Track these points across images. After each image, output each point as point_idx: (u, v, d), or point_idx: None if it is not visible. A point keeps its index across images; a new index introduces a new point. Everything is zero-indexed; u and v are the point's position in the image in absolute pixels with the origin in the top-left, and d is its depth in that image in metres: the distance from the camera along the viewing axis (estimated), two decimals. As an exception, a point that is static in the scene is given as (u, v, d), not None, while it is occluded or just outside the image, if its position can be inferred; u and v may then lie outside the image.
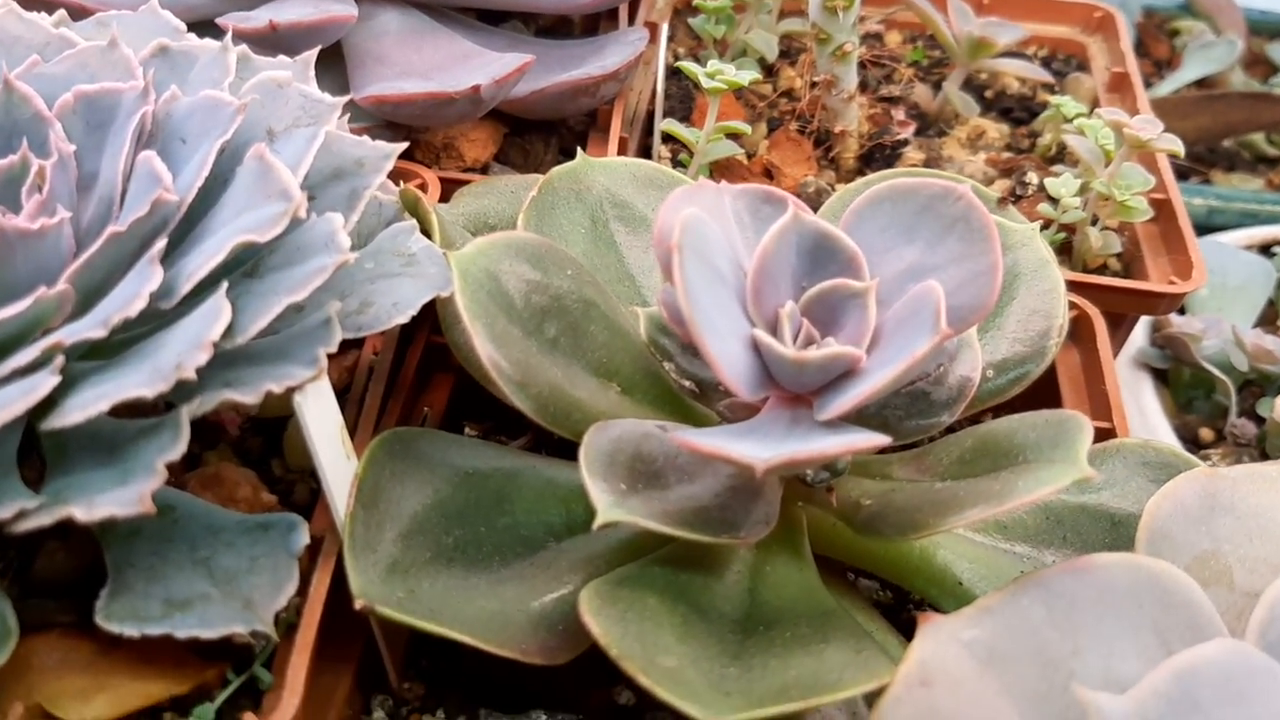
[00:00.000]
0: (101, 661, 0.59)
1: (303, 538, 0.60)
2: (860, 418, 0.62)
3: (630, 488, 0.59)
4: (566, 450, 0.64)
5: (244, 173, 0.61)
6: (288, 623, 0.60)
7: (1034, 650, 0.51)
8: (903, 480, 0.68)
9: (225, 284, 0.56)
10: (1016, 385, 0.75)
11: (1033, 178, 1.04)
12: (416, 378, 0.79)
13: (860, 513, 0.65)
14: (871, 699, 0.52)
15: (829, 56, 1.02)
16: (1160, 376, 1.04)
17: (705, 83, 0.95)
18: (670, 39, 1.18)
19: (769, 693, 0.55)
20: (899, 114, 1.11)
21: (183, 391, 0.54)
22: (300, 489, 0.72)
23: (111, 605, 0.56)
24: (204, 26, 0.82)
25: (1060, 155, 1.10)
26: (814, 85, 1.06)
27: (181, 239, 0.61)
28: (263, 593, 0.58)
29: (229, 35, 0.70)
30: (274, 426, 0.75)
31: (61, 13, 0.73)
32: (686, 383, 0.68)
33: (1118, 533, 0.69)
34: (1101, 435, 0.76)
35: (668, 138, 1.02)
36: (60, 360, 0.54)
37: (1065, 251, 0.99)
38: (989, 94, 1.21)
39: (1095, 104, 1.18)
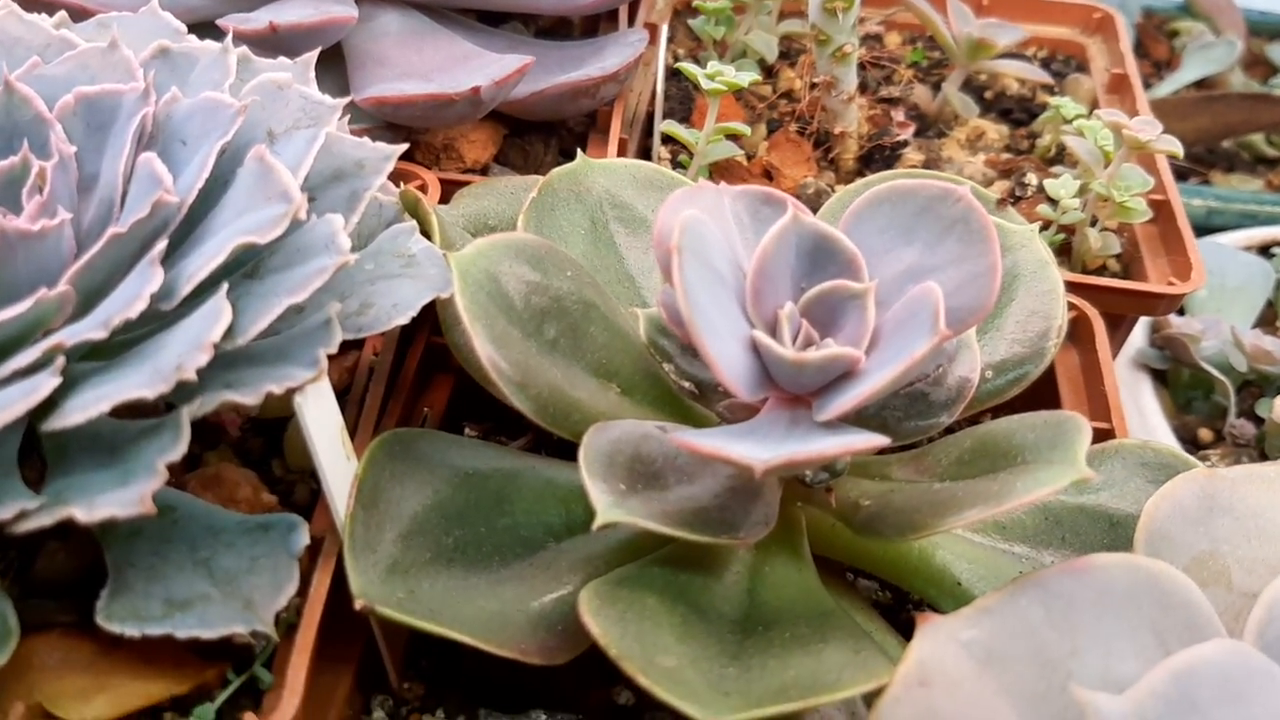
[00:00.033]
0: (102, 661, 0.59)
1: (303, 538, 0.60)
2: (859, 419, 0.63)
3: (630, 488, 0.59)
4: (566, 451, 0.64)
5: (244, 174, 0.61)
6: (288, 623, 0.60)
7: (1032, 650, 0.51)
8: (902, 481, 0.68)
9: (226, 285, 0.57)
10: (1015, 386, 0.75)
11: (1032, 179, 1.04)
12: (416, 378, 0.80)
13: (859, 513, 0.65)
14: (870, 699, 0.52)
15: (829, 58, 1.03)
16: (1159, 377, 1.04)
17: (705, 84, 0.96)
18: (670, 40, 1.18)
19: (768, 693, 0.55)
20: (898, 115, 1.11)
21: (183, 392, 0.54)
22: (300, 489, 0.72)
23: (112, 605, 0.56)
24: (204, 28, 0.82)
25: (1059, 156, 1.10)
26: (814, 86, 1.06)
27: (182, 240, 0.61)
28: (263, 593, 0.58)
29: (229, 37, 0.70)
30: (274, 427, 0.75)
31: (62, 14, 0.73)
32: (686, 384, 0.68)
33: (1116, 533, 0.69)
34: (1100, 436, 0.76)
35: (667, 139, 1.02)
36: (61, 361, 0.54)
37: (1064, 252, 0.99)
38: (988, 95, 1.21)
39: (1094, 105, 1.18)
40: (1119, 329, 0.96)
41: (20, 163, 0.62)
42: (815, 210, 0.81)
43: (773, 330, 0.62)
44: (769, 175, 1.03)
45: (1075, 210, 0.96)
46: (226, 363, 0.57)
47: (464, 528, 0.65)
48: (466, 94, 0.91)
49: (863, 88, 1.13)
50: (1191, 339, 1.00)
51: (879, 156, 1.08)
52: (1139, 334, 1.05)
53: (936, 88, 1.18)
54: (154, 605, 0.57)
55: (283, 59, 0.71)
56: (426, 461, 0.66)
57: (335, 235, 0.60)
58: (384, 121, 0.95)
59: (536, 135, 1.06)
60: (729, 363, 0.58)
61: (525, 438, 0.82)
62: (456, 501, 0.65)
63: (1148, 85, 1.38)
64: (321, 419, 0.60)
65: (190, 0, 0.94)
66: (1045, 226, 0.97)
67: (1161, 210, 1.00)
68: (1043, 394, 0.82)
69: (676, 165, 1.03)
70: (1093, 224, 0.98)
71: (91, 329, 0.54)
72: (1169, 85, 1.42)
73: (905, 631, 0.67)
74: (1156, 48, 1.51)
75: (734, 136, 1.00)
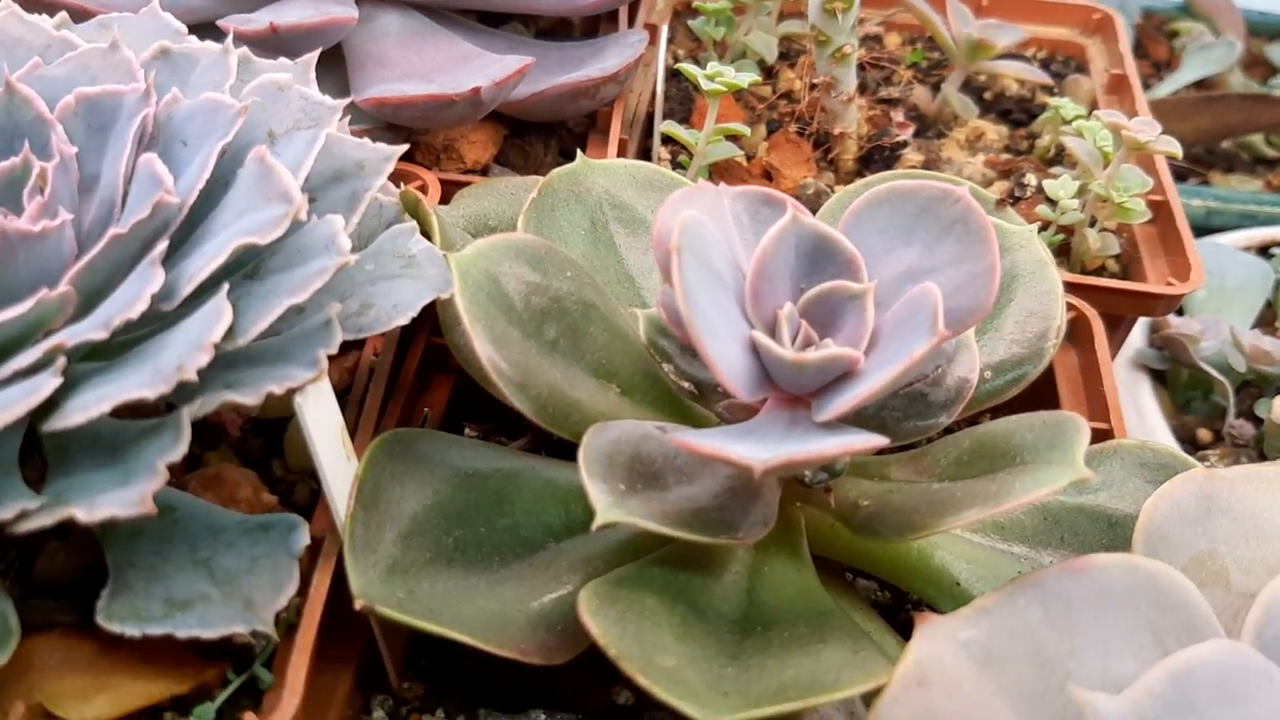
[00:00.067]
0: (102, 661, 0.59)
1: (303, 538, 0.60)
2: (858, 419, 0.63)
3: (629, 488, 0.59)
4: (566, 451, 0.64)
5: (245, 175, 0.61)
6: (288, 623, 0.61)
7: (1031, 651, 0.51)
8: (901, 481, 0.68)
9: (226, 286, 0.57)
10: (1014, 386, 0.76)
11: (1031, 179, 1.04)
12: (416, 379, 0.80)
13: (858, 513, 0.66)
14: (869, 699, 0.52)
15: (828, 58, 1.03)
16: (1158, 377, 1.04)
17: (705, 85, 0.96)
18: (670, 41, 1.18)
19: (767, 693, 0.55)
20: (898, 116, 1.11)
21: (184, 393, 0.55)
22: (301, 489, 0.72)
23: (112, 605, 0.56)
24: (205, 29, 0.83)
25: (1059, 157, 1.10)
26: (813, 87, 1.06)
27: (182, 241, 0.61)
28: (263, 593, 0.58)
29: (230, 38, 0.71)
30: (275, 427, 0.75)
31: (63, 15, 0.73)
32: (685, 384, 0.68)
33: (1115, 533, 0.70)
34: (1099, 436, 0.76)
35: (667, 139, 1.02)
36: (62, 362, 0.54)
37: (1063, 253, 0.99)
38: (988, 96, 1.21)
39: (1094, 105, 1.18)
40: (1118, 329, 0.96)
41: (21, 163, 0.62)
42: (815, 211, 0.81)
43: (772, 331, 0.62)
44: (769, 176, 1.03)
45: (1074, 211, 0.96)
46: (227, 363, 0.57)
47: (464, 528, 0.65)
48: (467, 95, 0.91)
49: (862, 88, 1.13)
50: (1190, 339, 1.00)
51: (878, 157, 1.08)
52: (1138, 334, 1.05)
53: (936, 88, 1.18)
54: (154, 605, 0.57)
55: (283, 60, 0.72)
56: (426, 462, 0.66)
57: (336, 236, 0.60)
58: (384, 122, 0.95)
59: (536, 136, 1.06)
60: (728, 363, 0.59)
61: (525, 438, 0.83)
62: (456, 502, 0.65)
63: (1147, 86, 1.38)
64: (322, 419, 0.60)
65: (191, 1, 0.94)
66: (1044, 227, 0.97)
67: (1160, 211, 1.00)
68: (1042, 394, 0.82)
69: (676, 166, 1.03)
70: (1092, 224, 0.98)
71: (92, 329, 0.54)
72: (1168, 86, 1.42)
73: (904, 631, 0.67)
74: (1156, 48, 1.51)
75: (734, 137, 1.00)
